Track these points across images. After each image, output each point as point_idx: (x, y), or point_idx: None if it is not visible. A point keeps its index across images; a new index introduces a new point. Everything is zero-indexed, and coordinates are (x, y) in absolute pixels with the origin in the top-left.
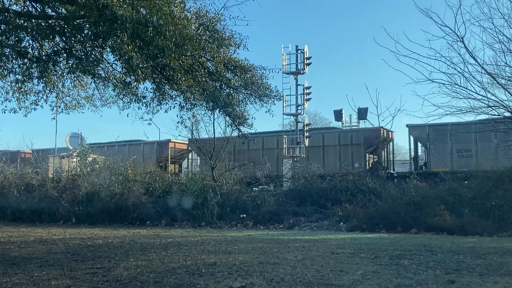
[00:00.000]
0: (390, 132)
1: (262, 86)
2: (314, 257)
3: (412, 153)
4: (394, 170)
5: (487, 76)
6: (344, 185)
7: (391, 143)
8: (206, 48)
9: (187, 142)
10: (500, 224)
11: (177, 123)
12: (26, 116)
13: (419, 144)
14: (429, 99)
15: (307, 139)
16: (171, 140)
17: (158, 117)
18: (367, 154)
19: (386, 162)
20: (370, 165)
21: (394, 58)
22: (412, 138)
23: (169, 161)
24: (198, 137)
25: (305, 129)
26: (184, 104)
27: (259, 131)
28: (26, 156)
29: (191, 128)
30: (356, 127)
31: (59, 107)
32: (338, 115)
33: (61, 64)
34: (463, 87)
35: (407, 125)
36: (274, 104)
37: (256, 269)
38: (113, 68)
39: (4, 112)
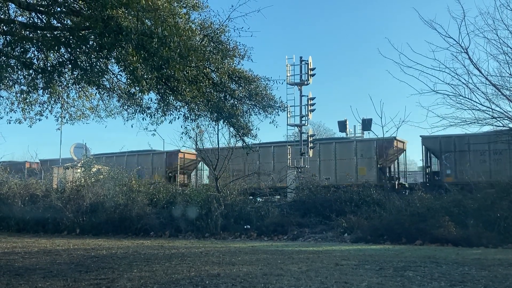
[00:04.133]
0: None
1: (266, 97)
2: (318, 269)
3: None
4: None
5: (492, 87)
6: (348, 196)
7: None
8: (211, 59)
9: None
10: (505, 235)
11: (182, 133)
12: (31, 126)
13: None
14: (434, 110)
15: (311, 149)
16: (396, 138)
17: (162, 127)
18: None
19: None
20: None
21: (399, 69)
22: None
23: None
24: (202, 147)
25: (309, 140)
26: (188, 115)
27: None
28: None
29: (195, 139)
30: None
31: (64, 117)
32: (342, 126)
33: (66, 75)
34: (468, 98)
35: None
36: (278, 115)
37: (260, 280)
38: (117, 79)
39: (9, 123)
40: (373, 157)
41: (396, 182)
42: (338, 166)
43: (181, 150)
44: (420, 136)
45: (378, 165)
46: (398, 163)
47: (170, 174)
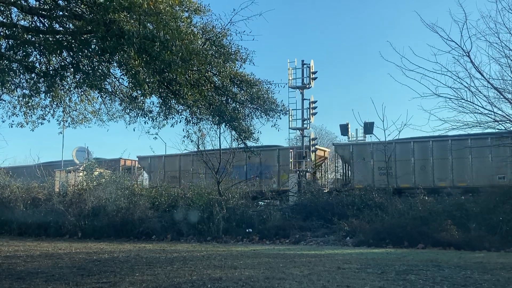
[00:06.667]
0: None
1: (268, 101)
2: (320, 272)
3: None
4: None
5: (494, 90)
6: (350, 200)
7: None
8: (213, 62)
9: None
10: (507, 239)
11: (183, 137)
12: (33, 130)
13: None
14: (436, 114)
15: (313, 153)
16: None
17: (164, 131)
18: None
19: None
20: None
21: (400, 72)
22: None
23: None
24: (204, 149)
25: (311, 143)
26: (190, 118)
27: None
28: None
29: (197, 142)
30: None
31: (66, 121)
32: (344, 129)
33: (68, 79)
34: (470, 101)
35: None
36: (280, 118)
37: (262, 284)
38: (120, 82)
39: (11, 127)
40: None
41: None
42: None
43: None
44: None
45: None
46: None
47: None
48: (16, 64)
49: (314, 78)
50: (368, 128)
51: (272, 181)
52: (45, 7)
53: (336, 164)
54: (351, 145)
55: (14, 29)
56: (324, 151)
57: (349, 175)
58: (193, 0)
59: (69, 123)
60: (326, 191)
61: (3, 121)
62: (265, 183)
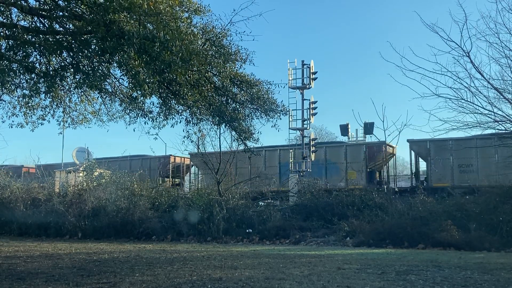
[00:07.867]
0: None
1: (268, 101)
2: (320, 273)
3: None
4: None
5: (494, 91)
6: (350, 200)
7: None
8: (213, 63)
9: None
10: (508, 239)
11: (183, 137)
12: (33, 131)
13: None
14: (436, 114)
15: (313, 153)
16: None
17: (164, 131)
18: None
19: None
20: None
21: (400, 73)
22: None
23: None
24: (204, 151)
25: (311, 143)
26: (190, 118)
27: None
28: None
29: (197, 142)
30: None
31: (66, 122)
32: (344, 129)
33: (68, 79)
34: (470, 101)
35: None
36: (280, 118)
37: (262, 284)
38: (120, 83)
39: (11, 127)
40: None
41: None
42: None
43: (386, 142)
44: None
45: None
46: None
47: (369, 170)
48: (16, 64)
49: (314, 79)
50: (368, 128)
51: (272, 181)
52: (45, 7)
53: (411, 162)
54: (428, 141)
55: (14, 29)
56: (393, 147)
57: (421, 172)
58: (193, 1)
59: (69, 124)
60: (396, 190)
61: (3, 122)
62: (265, 183)
